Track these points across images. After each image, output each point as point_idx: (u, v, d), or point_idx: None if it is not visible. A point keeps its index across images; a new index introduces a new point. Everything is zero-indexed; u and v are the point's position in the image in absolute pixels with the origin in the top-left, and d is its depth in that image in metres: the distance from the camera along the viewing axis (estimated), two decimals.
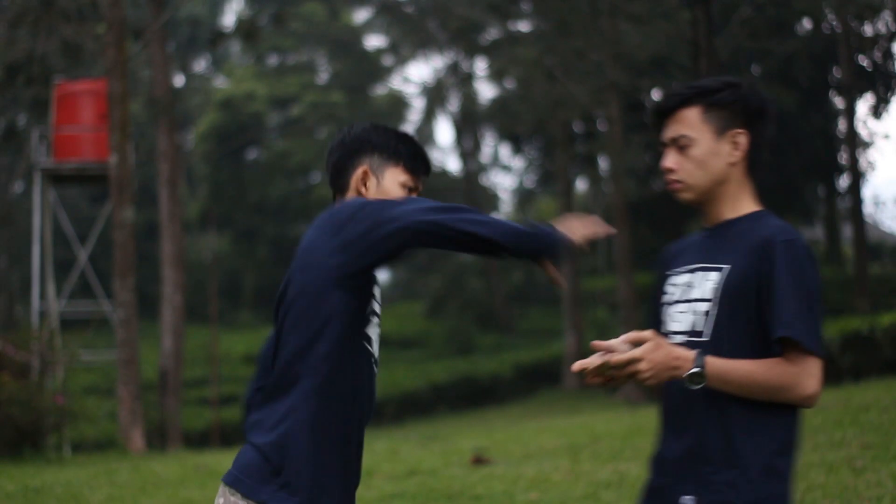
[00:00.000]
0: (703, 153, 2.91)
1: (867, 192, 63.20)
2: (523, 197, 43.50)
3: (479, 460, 10.19)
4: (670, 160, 2.94)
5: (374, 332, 3.00)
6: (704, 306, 2.85)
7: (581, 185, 39.50)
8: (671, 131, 2.94)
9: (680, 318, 2.89)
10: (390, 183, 3.04)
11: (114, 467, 11.85)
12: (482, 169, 42.71)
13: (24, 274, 30.89)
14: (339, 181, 3.07)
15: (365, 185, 3.03)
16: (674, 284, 2.96)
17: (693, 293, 2.89)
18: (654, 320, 3.01)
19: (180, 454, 15.47)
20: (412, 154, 3.08)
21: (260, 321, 36.28)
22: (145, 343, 21.93)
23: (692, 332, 2.84)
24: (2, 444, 13.89)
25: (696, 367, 2.72)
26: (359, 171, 3.03)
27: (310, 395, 2.82)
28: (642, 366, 2.69)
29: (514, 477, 8.92)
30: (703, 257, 2.92)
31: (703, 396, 2.80)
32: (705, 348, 2.78)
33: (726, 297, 2.83)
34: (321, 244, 2.86)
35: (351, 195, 3.03)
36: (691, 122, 2.92)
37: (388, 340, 32.47)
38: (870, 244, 30.72)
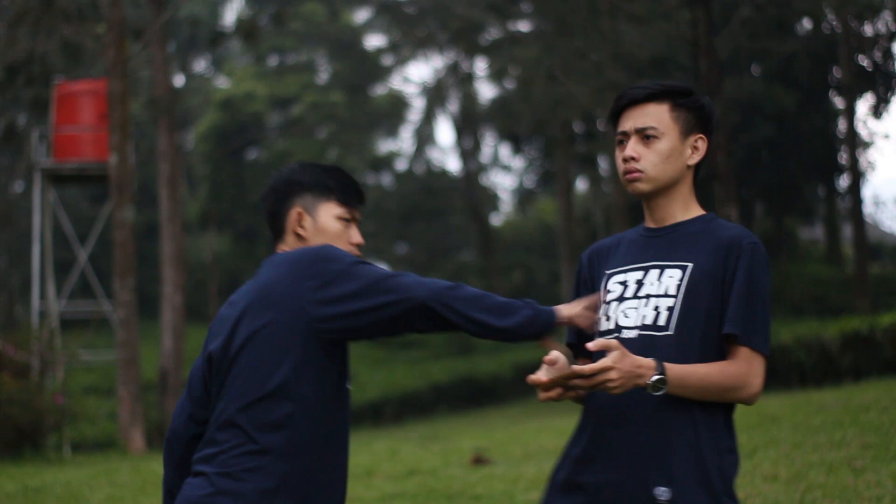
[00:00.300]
0: (669, 149, 2.95)
1: (867, 192, 63.26)
2: (523, 197, 43.48)
3: (479, 460, 10.19)
4: (632, 149, 2.95)
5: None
6: (668, 302, 2.88)
7: (581, 185, 39.48)
8: (638, 122, 2.95)
9: (631, 314, 2.90)
10: (325, 218, 3.04)
11: (114, 467, 11.85)
12: (482, 169, 42.70)
13: (24, 274, 30.89)
14: (275, 226, 3.08)
15: (301, 225, 3.03)
16: (619, 282, 2.97)
17: (648, 289, 2.91)
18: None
19: None
20: (342, 186, 3.07)
21: None
22: (145, 343, 21.92)
23: (650, 327, 2.86)
24: (2, 444, 13.89)
25: (659, 374, 2.75)
26: (293, 214, 3.04)
27: (282, 450, 2.83)
28: (613, 374, 2.70)
29: (514, 477, 8.92)
30: (656, 255, 2.95)
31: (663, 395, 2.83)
32: (670, 342, 2.83)
33: (691, 294, 2.87)
34: (294, 286, 2.84)
35: (289, 239, 3.04)
36: (661, 117, 2.95)
37: (387, 340, 32.44)
38: (870, 244, 30.72)
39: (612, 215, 27.68)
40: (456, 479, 9.16)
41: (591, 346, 2.76)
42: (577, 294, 3.10)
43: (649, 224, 3.03)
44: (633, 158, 2.94)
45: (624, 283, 2.96)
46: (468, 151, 39.96)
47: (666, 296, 2.88)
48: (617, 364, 2.70)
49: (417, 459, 10.62)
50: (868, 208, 36.49)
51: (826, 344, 14.66)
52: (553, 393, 2.77)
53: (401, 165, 43.83)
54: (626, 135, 2.97)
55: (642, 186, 2.96)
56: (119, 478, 10.66)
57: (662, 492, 2.80)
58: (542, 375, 2.78)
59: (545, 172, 37.79)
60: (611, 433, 2.87)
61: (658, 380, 2.74)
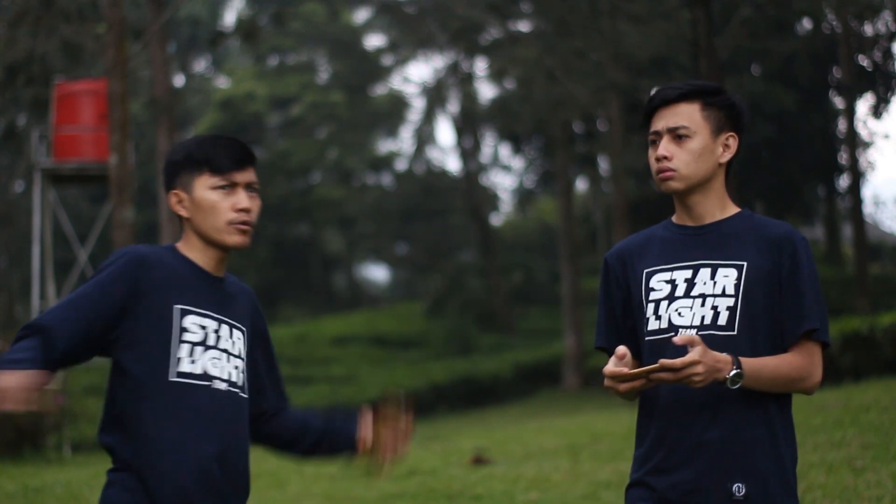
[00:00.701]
0: (701, 147, 2.99)
1: (867, 192, 63.16)
2: (523, 197, 43.49)
3: (479, 460, 10.19)
4: (665, 148, 2.99)
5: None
6: (727, 301, 2.91)
7: (581, 185, 39.50)
8: (670, 121, 2.99)
9: (686, 314, 2.93)
10: (200, 192, 2.97)
11: None
12: (482, 169, 42.69)
13: (24, 274, 30.87)
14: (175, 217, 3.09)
15: (182, 206, 3.00)
16: (665, 280, 2.99)
17: (702, 289, 2.94)
18: (620, 317, 3.06)
19: None
20: (212, 154, 2.97)
21: None
22: None
23: (711, 327, 2.90)
24: (2, 444, 13.88)
25: (737, 368, 2.80)
26: (171, 199, 3.01)
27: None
28: (699, 368, 2.74)
29: (514, 477, 8.92)
30: (703, 254, 2.98)
31: (737, 390, 2.87)
32: (734, 342, 2.87)
33: (749, 293, 2.91)
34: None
35: (183, 224, 3.03)
36: (692, 117, 3.00)
37: (388, 340, 32.48)
38: (870, 244, 30.71)
39: (612, 215, 27.69)
40: (456, 479, 9.16)
41: (677, 340, 2.78)
42: (609, 295, 3.10)
43: (685, 222, 3.05)
44: (665, 157, 2.98)
45: (671, 282, 2.98)
46: (468, 151, 39.95)
47: (724, 295, 2.92)
48: (703, 358, 2.74)
49: (417, 459, 10.62)
50: (868, 208, 36.49)
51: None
52: (636, 384, 2.81)
53: (401, 165, 43.84)
54: (659, 134, 3.00)
55: (675, 185, 2.99)
56: None
57: (740, 487, 2.85)
58: (615, 368, 2.81)
59: (545, 172, 37.78)
60: (680, 432, 2.91)
61: (736, 374, 2.79)
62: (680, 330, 2.89)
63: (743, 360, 2.81)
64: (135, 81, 25.16)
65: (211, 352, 2.94)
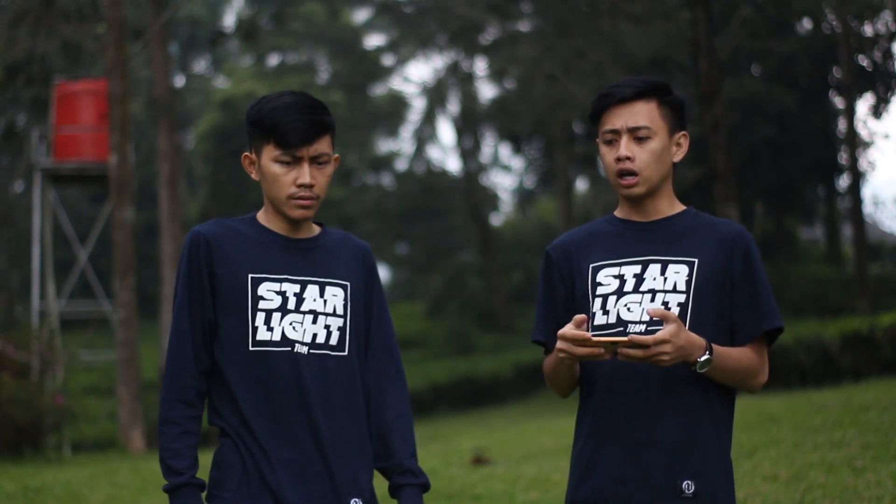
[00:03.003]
0: (660, 148, 2.93)
1: (867, 192, 63.16)
2: (523, 197, 43.48)
3: (479, 460, 10.19)
4: (627, 149, 2.91)
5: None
6: (678, 298, 2.87)
7: (581, 185, 39.50)
8: (629, 121, 2.91)
9: (635, 309, 2.88)
10: (265, 162, 2.96)
11: (114, 467, 11.85)
12: (482, 169, 42.69)
13: (24, 274, 30.87)
14: None
15: (253, 169, 3.01)
16: (613, 276, 2.93)
17: (652, 284, 2.89)
18: (562, 311, 2.98)
19: None
20: (276, 127, 2.91)
21: None
22: (145, 343, 21.91)
23: (660, 322, 2.83)
24: (2, 444, 13.88)
25: (709, 353, 2.77)
26: (244, 161, 3.02)
27: None
28: (668, 347, 2.70)
29: (514, 477, 8.93)
30: (652, 249, 2.93)
31: (688, 382, 2.85)
32: None
33: (700, 290, 2.88)
34: None
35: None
36: (651, 116, 2.92)
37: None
38: (870, 244, 30.70)
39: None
40: (456, 479, 9.16)
41: (650, 311, 2.74)
42: (551, 289, 3.03)
43: (632, 217, 2.99)
44: (628, 158, 2.90)
45: (620, 277, 2.92)
46: (468, 151, 39.95)
47: (675, 291, 2.88)
48: (674, 338, 2.69)
49: (418, 459, 10.61)
50: (868, 208, 36.48)
51: (826, 344, 14.65)
52: (595, 351, 2.72)
53: (401, 165, 43.83)
54: (617, 133, 2.92)
55: (638, 189, 2.93)
56: (119, 478, 10.65)
57: (689, 485, 2.83)
58: (577, 331, 2.74)
59: (545, 172, 37.78)
60: (627, 428, 2.87)
61: (706, 359, 2.76)
62: (628, 325, 2.84)
63: (715, 346, 2.78)
64: (135, 81, 25.16)
65: (291, 316, 2.89)
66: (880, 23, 26.38)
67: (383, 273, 46.43)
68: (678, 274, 2.88)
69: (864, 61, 27.86)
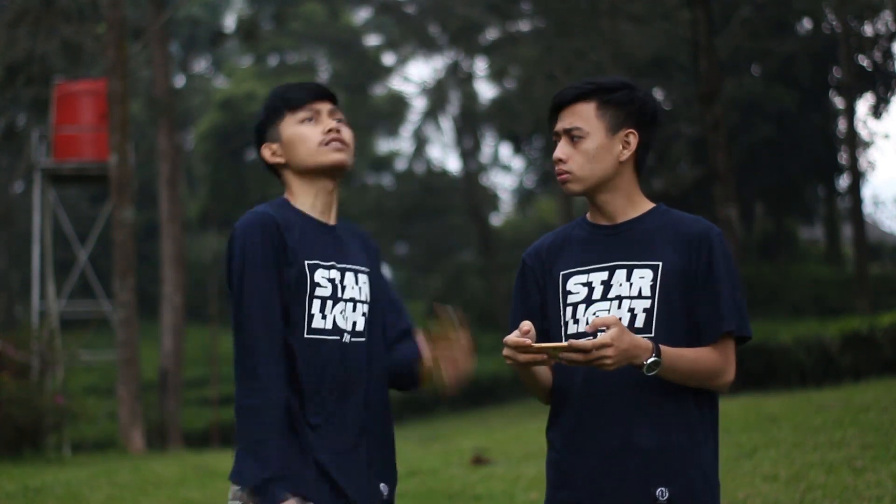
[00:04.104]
0: (595, 147, 2.94)
1: (867, 192, 63.19)
2: (523, 197, 43.48)
3: (479, 460, 10.20)
4: (561, 151, 2.95)
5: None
6: (643, 303, 2.86)
7: None
8: (565, 122, 2.95)
9: (603, 317, 2.84)
10: (289, 132, 3.00)
11: (114, 467, 11.85)
12: (482, 169, 42.70)
13: (24, 274, 30.89)
14: (277, 176, 3.08)
15: (276, 154, 3.02)
16: (582, 283, 2.93)
17: (618, 291, 2.89)
18: (537, 318, 2.97)
19: (180, 454, 15.46)
20: (284, 97, 3.02)
21: None
22: (145, 343, 21.92)
23: (629, 329, 2.81)
24: (2, 444, 13.88)
25: (655, 356, 2.75)
26: (264, 154, 3.03)
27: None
28: (610, 352, 2.67)
29: (514, 477, 8.93)
30: (618, 255, 2.92)
31: (661, 388, 2.84)
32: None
33: (666, 293, 2.86)
34: None
35: (283, 177, 3.04)
36: (586, 116, 2.94)
37: None
38: (870, 244, 30.72)
39: None
40: (456, 479, 9.16)
41: (591, 324, 2.72)
42: (525, 296, 3.04)
43: (599, 221, 2.99)
44: (560, 160, 2.94)
45: (588, 285, 2.92)
46: (468, 151, 39.96)
47: (640, 297, 2.86)
48: (615, 341, 2.67)
49: (417, 459, 10.62)
50: (868, 208, 36.50)
51: (826, 344, 14.67)
52: (538, 357, 2.72)
53: (401, 165, 43.84)
54: (559, 135, 2.97)
55: (573, 187, 2.95)
56: (119, 478, 10.65)
57: (663, 492, 2.81)
58: (519, 338, 2.73)
59: (545, 172, 37.76)
60: (600, 435, 2.86)
61: (653, 361, 2.74)
62: (599, 334, 2.76)
63: (663, 348, 2.76)
64: (135, 81, 25.16)
65: (339, 304, 2.92)
66: (880, 23, 26.40)
67: (383, 273, 46.45)
68: (643, 279, 2.87)
69: (864, 61, 27.87)
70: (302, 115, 2.99)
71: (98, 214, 24.11)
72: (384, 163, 43.14)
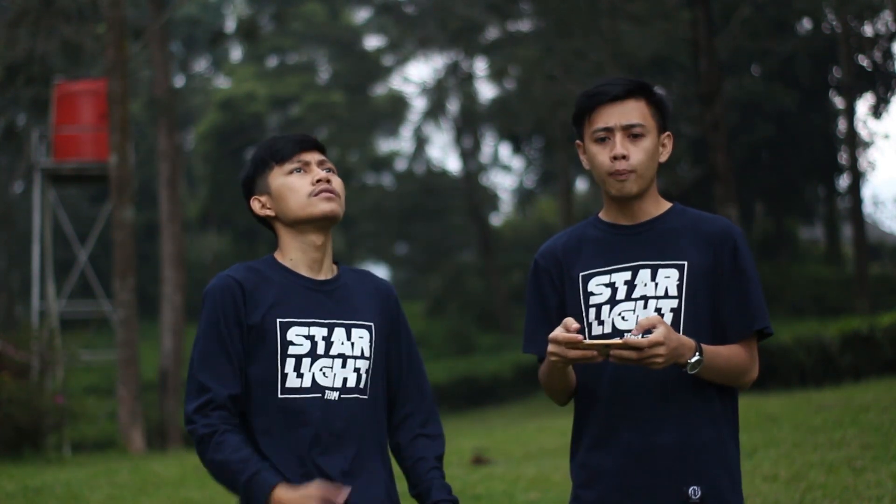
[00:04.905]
0: (652, 146, 2.91)
1: (867, 192, 63.17)
2: (523, 197, 43.48)
3: (479, 460, 10.19)
4: (624, 146, 2.87)
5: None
6: (670, 303, 2.85)
7: (581, 185, 39.48)
8: (623, 118, 2.88)
9: (630, 318, 2.85)
10: (277, 184, 2.95)
11: (114, 467, 11.85)
12: (482, 169, 42.70)
13: (24, 274, 30.89)
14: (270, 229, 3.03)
15: (266, 207, 2.97)
16: (604, 284, 2.90)
17: (643, 291, 2.87)
18: (555, 319, 2.91)
19: (180, 454, 15.46)
20: (272, 150, 2.97)
21: None
22: (145, 343, 21.93)
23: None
24: (2, 444, 13.88)
25: (699, 354, 2.75)
26: (253, 206, 2.99)
27: None
28: (662, 350, 2.68)
29: (514, 477, 8.93)
30: (641, 254, 2.90)
31: (687, 385, 2.84)
32: None
33: (692, 293, 2.85)
34: None
35: (276, 229, 2.99)
36: (643, 114, 2.90)
37: None
38: (870, 244, 30.71)
39: None
40: (456, 479, 9.15)
41: (639, 325, 2.70)
42: (541, 298, 2.98)
43: (618, 220, 2.95)
44: (625, 157, 2.86)
45: (611, 285, 2.88)
46: (468, 151, 39.97)
47: (667, 297, 2.84)
48: (667, 340, 2.67)
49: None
50: (868, 208, 36.49)
51: (826, 344, 14.65)
52: (588, 354, 2.69)
53: (401, 165, 43.84)
54: (610, 131, 2.87)
55: (632, 187, 2.88)
56: (119, 478, 10.65)
57: (696, 490, 2.82)
58: (570, 334, 2.70)
59: (545, 172, 37.79)
60: (628, 434, 2.85)
61: (697, 360, 2.74)
62: (624, 334, 2.77)
63: (704, 346, 2.76)
64: (135, 81, 25.17)
65: (321, 361, 2.84)
66: (880, 23, 26.39)
67: (383, 273, 46.46)
68: (668, 279, 2.85)
69: (864, 61, 27.87)
70: (290, 166, 2.93)
71: (98, 214, 24.11)
72: (384, 163, 43.14)
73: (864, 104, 34.99)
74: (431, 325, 34.58)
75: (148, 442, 17.46)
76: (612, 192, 2.90)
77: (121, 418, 16.67)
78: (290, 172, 2.93)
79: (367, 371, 2.89)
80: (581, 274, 2.93)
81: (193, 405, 2.82)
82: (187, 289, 22.85)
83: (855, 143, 27.14)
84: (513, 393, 26.75)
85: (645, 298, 2.85)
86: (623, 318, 2.85)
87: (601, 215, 3.00)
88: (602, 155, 2.89)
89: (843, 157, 30.45)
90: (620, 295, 2.87)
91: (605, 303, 2.88)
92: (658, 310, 2.84)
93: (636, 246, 2.90)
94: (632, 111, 2.87)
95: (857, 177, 27.12)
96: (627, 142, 2.87)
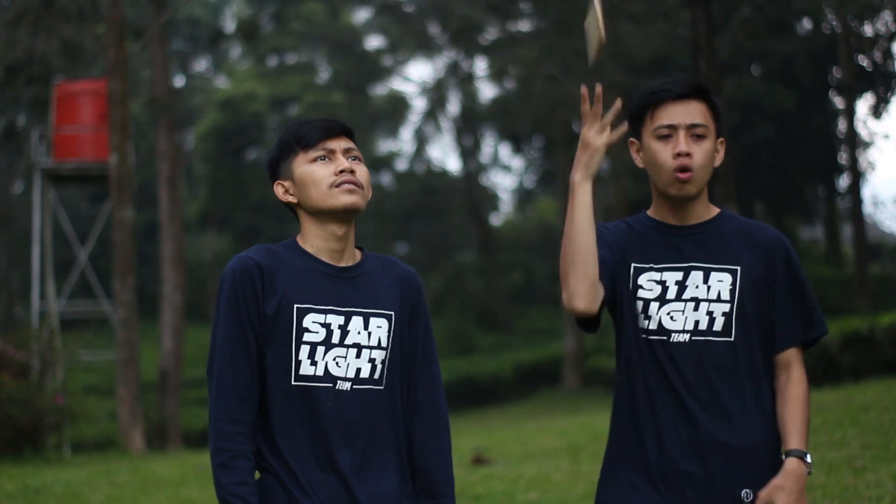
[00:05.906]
0: (712, 149, 2.90)
1: (867, 192, 63.18)
2: (523, 197, 43.47)
3: (479, 460, 10.19)
4: (689, 145, 2.86)
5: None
6: (722, 307, 2.85)
7: None
8: (688, 118, 2.87)
9: (678, 318, 2.85)
10: (301, 171, 2.88)
11: (114, 467, 11.85)
12: (482, 169, 42.70)
13: (24, 274, 30.89)
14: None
15: (289, 194, 2.91)
16: (655, 281, 2.89)
17: (695, 293, 2.86)
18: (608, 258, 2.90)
19: (180, 454, 15.46)
20: (298, 135, 2.91)
21: None
22: (145, 343, 21.93)
23: (707, 332, 2.83)
24: (2, 444, 13.88)
25: (809, 469, 2.82)
26: (277, 191, 2.93)
27: None
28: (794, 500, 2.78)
29: (514, 477, 8.92)
30: (694, 256, 2.89)
31: (746, 385, 2.85)
32: (732, 348, 2.84)
33: (744, 298, 2.86)
34: None
35: (298, 214, 2.94)
36: (706, 115, 2.89)
37: None
38: (870, 244, 30.72)
39: (611, 215, 27.65)
40: (456, 479, 9.12)
41: (761, 501, 2.77)
42: (604, 243, 2.92)
43: (668, 220, 2.94)
44: (689, 155, 2.84)
45: (661, 283, 2.87)
46: (468, 151, 39.96)
47: (719, 300, 2.85)
48: (791, 496, 2.77)
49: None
50: (868, 208, 36.49)
51: (826, 344, 14.64)
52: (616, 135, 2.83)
53: (401, 165, 43.85)
54: (674, 129, 2.86)
55: (691, 188, 2.87)
56: (119, 478, 10.65)
57: (748, 493, 2.83)
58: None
59: (545, 172, 37.78)
60: (683, 428, 2.84)
61: (810, 471, 2.82)
62: (672, 334, 2.82)
63: (795, 444, 2.81)
64: (135, 81, 25.16)
65: (335, 350, 2.81)
66: (880, 23, 26.38)
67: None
68: (721, 283, 2.85)
69: (864, 61, 27.87)
70: (314, 153, 2.87)
71: (98, 214, 24.11)
72: (384, 163, 43.13)
73: (864, 104, 35.02)
74: (431, 324, 34.59)
75: (148, 442, 17.46)
76: (671, 192, 2.88)
77: (121, 418, 16.67)
78: (315, 160, 2.87)
79: (383, 361, 2.85)
80: (634, 265, 2.91)
81: (222, 419, 2.79)
82: (187, 289, 22.87)
83: (855, 143, 27.15)
84: (513, 393, 26.76)
85: (696, 300, 2.85)
86: (672, 318, 2.85)
87: (650, 212, 3.00)
88: (664, 152, 2.87)
89: (843, 157, 30.47)
90: (671, 294, 2.87)
91: (654, 300, 2.88)
92: (710, 313, 2.84)
93: (688, 247, 2.90)
94: (696, 111, 2.87)
95: (857, 177, 27.13)
96: (691, 141, 2.86)
